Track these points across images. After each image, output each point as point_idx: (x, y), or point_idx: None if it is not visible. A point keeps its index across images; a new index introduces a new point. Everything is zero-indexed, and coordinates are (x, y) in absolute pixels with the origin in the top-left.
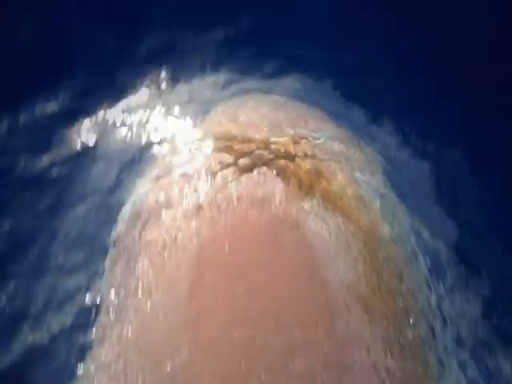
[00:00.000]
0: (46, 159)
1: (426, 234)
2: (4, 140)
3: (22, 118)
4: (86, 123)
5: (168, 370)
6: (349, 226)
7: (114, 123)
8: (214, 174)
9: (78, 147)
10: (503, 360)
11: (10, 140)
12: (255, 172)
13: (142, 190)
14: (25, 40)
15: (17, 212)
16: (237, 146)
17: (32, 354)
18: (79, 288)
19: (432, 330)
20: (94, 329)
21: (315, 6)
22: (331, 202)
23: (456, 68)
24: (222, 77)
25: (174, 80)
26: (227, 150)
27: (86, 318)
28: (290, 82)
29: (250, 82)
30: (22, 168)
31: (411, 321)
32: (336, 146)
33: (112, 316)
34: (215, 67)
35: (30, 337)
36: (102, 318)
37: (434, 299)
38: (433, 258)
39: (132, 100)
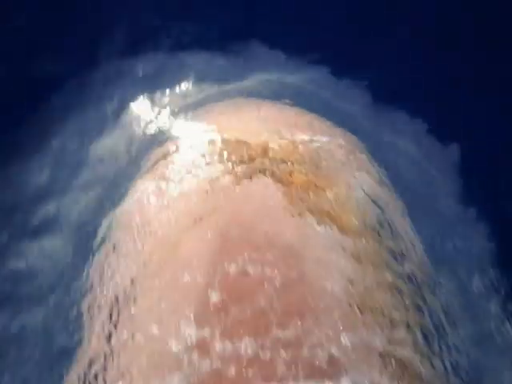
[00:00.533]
0: None
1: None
2: None
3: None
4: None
5: None
6: (344, 239)
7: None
8: (211, 182)
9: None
10: None
11: None
12: (253, 180)
13: (135, 199)
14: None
15: None
16: (235, 152)
17: None
18: None
19: None
20: None
21: (318, 10)
22: (328, 211)
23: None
24: (222, 79)
25: (171, 82)
26: (225, 155)
27: None
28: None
29: (250, 82)
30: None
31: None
32: (334, 151)
33: None
34: (214, 69)
35: None
36: None
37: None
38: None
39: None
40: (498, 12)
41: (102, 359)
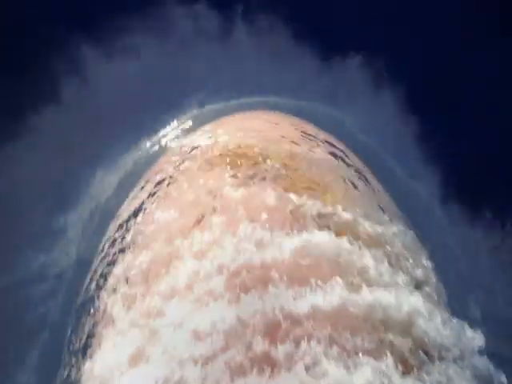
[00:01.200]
0: None
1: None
2: None
3: None
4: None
5: None
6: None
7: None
8: (214, 187)
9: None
10: None
11: None
12: (253, 185)
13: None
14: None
15: None
16: (236, 160)
17: None
18: None
19: None
20: None
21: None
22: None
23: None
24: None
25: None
26: (227, 162)
27: None
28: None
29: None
30: None
31: None
32: (331, 163)
33: None
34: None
35: None
36: None
37: None
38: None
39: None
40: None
41: None
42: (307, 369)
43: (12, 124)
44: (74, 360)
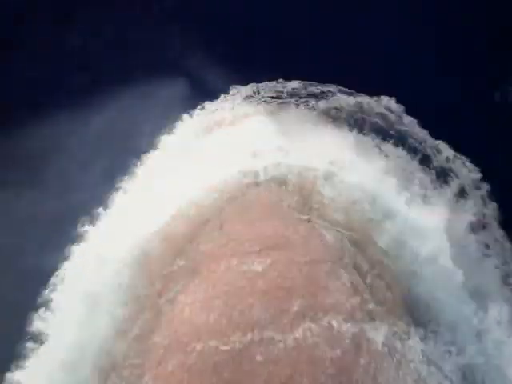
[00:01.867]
0: None
1: None
2: None
3: None
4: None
5: None
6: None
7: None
8: (221, 188)
9: None
10: None
11: None
12: (259, 186)
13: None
14: None
15: None
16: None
17: None
18: None
19: None
20: None
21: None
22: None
23: None
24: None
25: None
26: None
27: None
28: None
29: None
30: None
31: None
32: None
33: None
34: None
35: None
36: None
37: None
38: None
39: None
40: None
41: None
42: None
43: None
44: None
